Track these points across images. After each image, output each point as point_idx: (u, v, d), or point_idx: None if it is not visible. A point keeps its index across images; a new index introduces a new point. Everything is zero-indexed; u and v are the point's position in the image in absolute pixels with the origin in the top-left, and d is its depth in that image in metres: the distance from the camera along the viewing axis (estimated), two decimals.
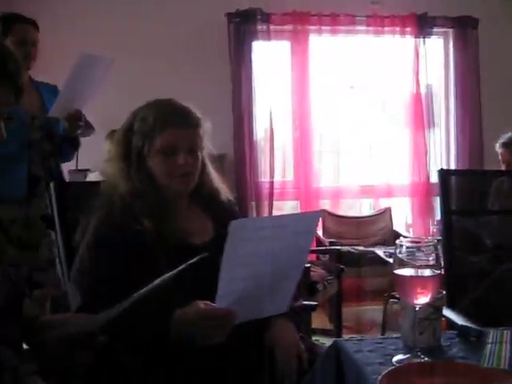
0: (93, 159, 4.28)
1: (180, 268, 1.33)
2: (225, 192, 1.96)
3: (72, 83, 2.89)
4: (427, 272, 1.28)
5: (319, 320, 4.24)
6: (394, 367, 1.20)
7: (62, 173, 3.10)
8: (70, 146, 3.15)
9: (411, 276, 1.27)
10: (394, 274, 1.29)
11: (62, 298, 2.74)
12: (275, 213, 5.16)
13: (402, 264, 1.28)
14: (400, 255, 1.29)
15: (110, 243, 1.69)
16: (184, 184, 1.80)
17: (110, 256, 1.68)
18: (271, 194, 5.15)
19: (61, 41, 4.68)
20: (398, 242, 1.29)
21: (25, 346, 1.27)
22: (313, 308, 2.23)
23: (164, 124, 1.74)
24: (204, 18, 5.08)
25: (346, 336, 4.19)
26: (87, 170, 4.60)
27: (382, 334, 4.05)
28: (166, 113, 1.76)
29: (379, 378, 1.11)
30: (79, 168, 4.41)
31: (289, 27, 5.27)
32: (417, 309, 1.31)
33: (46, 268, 2.88)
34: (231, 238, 1.34)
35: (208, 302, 1.51)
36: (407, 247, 1.28)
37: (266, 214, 5.06)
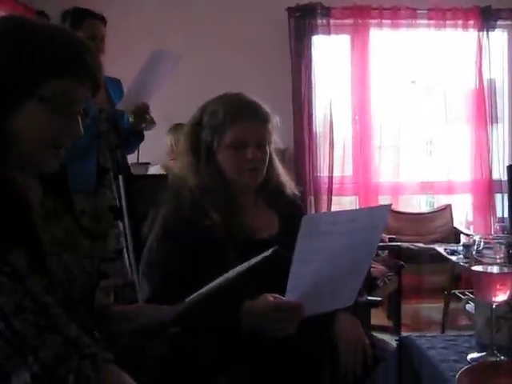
0: (153, 153, 4.37)
1: (254, 261, 1.33)
2: (290, 186, 1.96)
3: (141, 77, 2.95)
4: (507, 269, 1.25)
5: (377, 316, 4.20)
6: (471, 365, 1.19)
7: (128, 164, 3.14)
8: (135, 139, 3.22)
9: (490, 273, 1.25)
10: (472, 270, 1.26)
11: (128, 288, 2.80)
12: (334, 208, 5.15)
13: (479, 261, 1.26)
14: (476, 252, 1.26)
15: (178, 236, 1.72)
16: (252, 178, 1.80)
17: (179, 249, 1.71)
18: (330, 189, 5.13)
19: (125, 35, 4.78)
20: (475, 238, 1.26)
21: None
22: (377, 304, 2.22)
23: (234, 118, 1.74)
24: (265, 13, 5.11)
25: (404, 333, 4.15)
26: (148, 163, 4.68)
27: (442, 333, 3.98)
28: (236, 107, 1.77)
29: (457, 375, 1.09)
30: (140, 161, 4.50)
31: (349, 21, 5.23)
32: (494, 306, 1.29)
33: (113, 258, 2.94)
34: (303, 232, 1.34)
35: (277, 295, 1.52)
36: (484, 243, 1.26)
37: (324, 209, 5.06)
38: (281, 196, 1.92)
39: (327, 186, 5.15)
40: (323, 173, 5.20)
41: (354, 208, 5.18)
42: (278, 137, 1.88)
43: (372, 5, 5.17)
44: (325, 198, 5.13)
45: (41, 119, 1.16)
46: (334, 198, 5.18)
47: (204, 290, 1.39)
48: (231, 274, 1.37)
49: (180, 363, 1.32)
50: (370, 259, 1.63)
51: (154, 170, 4.65)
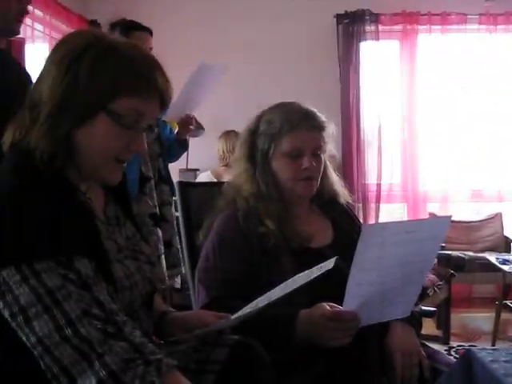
0: (202, 159, 4.42)
1: (316, 274, 1.33)
2: (343, 195, 1.97)
3: (188, 89, 3.00)
4: None
5: (426, 326, 4.13)
6: None
7: (169, 173, 3.19)
8: (179, 148, 3.32)
9: None
10: None
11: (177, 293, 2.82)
12: (382, 215, 5.10)
13: None
14: None
15: (234, 244, 1.74)
16: (308, 188, 1.81)
17: (235, 256, 1.73)
18: (378, 197, 5.11)
19: (173, 45, 4.85)
20: None
21: None
22: (431, 314, 2.17)
23: (291, 127, 1.75)
24: (314, 20, 5.15)
25: (453, 343, 4.09)
26: (196, 169, 4.74)
27: (493, 344, 3.91)
28: (292, 116, 1.77)
29: None
30: (189, 167, 4.56)
31: (398, 27, 5.21)
32: None
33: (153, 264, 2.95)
34: (362, 242, 1.34)
35: (333, 304, 1.51)
36: None
37: (372, 216, 5.03)
38: (335, 205, 1.92)
39: (375, 193, 5.13)
40: (371, 180, 5.17)
41: (402, 216, 5.14)
42: (332, 145, 1.88)
43: (421, 11, 5.14)
44: (373, 205, 5.12)
45: (109, 133, 1.19)
46: (382, 205, 5.16)
47: (263, 297, 1.40)
48: (291, 283, 1.38)
49: (239, 369, 1.33)
50: (428, 270, 1.61)
51: (203, 176, 4.70)
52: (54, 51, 1.22)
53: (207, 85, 3.07)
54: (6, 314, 1.06)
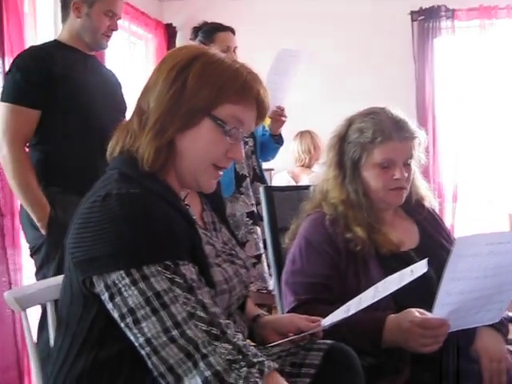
0: (276, 159, 4.44)
1: (408, 279, 1.35)
2: (429, 198, 1.96)
3: (272, 80, 2.89)
4: None
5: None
6: None
7: (262, 170, 3.21)
8: (275, 143, 3.25)
9: None
10: None
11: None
12: (458, 216, 5.02)
13: None
14: None
15: (320, 247, 1.76)
16: (397, 198, 1.81)
17: (322, 260, 1.75)
18: (455, 197, 5.02)
19: (252, 44, 4.92)
20: None
21: None
22: None
23: (384, 138, 1.75)
24: (388, 17, 5.12)
25: None
26: (271, 169, 4.77)
27: None
28: (385, 126, 1.76)
29: None
30: (264, 168, 4.59)
31: (475, 22, 5.09)
32: None
33: (254, 264, 2.98)
34: (456, 252, 1.33)
35: (422, 311, 1.51)
36: None
37: (449, 216, 4.94)
38: (421, 209, 1.92)
39: (452, 193, 5.05)
40: (448, 180, 5.10)
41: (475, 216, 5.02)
42: (422, 151, 1.87)
43: (499, 5, 4.99)
44: (449, 205, 5.03)
45: (211, 138, 1.26)
46: (458, 205, 5.06)
47: (354, 301, 1.42)
48: (382, 288, 1.39)
49: (332, 375, 1.35)
50: None
51: (280, 176, 4.73)
52: (162, 63, 1.30)
53: (290, 73, 2.99)
54: (116, 315, 1.12)
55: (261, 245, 2.96)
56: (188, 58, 1.26)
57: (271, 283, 3.17)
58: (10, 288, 2.91)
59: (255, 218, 2.97)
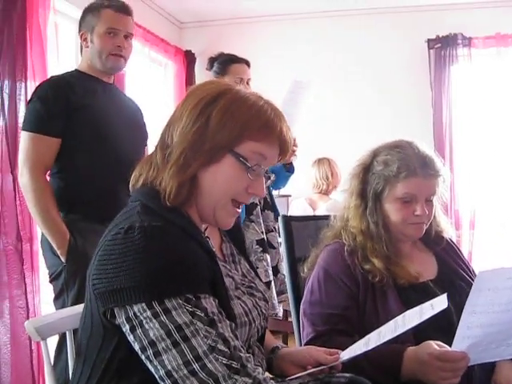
0: (294, 185, 4.45)
1: (428, 315, 1.34)
2: (448, 230, 1.96)
3: (284, 111, 2.98)
4: None
5: None
6: None
7: (274, 199, 3.21)
8: (286, 172, 3.26)
9: None
10: None
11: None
12: (476, 242, 4.98)
13: None
14: None
15: (339, 278, 1.76)
16: (418, 231, 1.81)
17: (340, 291, 1.75)
18: (472, 224, 5.00)
19: (266, 76, 4.97)
20: None
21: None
22: None
23: (409, 173, 1.74)
24: (405, 45, 5.16)
25: None
26: (289, 195, 4.78)
27: None
28: (410, 161, 1.76)
29: None
30: (281, 194, 4.61)
31: (491, 50, 5.10)
32: None
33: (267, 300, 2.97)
34: (477, 287, 1.33)
35: (441, 343, 1.50)
36: None
37: (466, 243, 4.91)
38: (439, 240, 1.92)
39: (469, 219, 5.03)
40: (465, 207, 5.07)
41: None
42: (446, 188, 1.87)
43: None
44: (466, 232, 5.00)
45: (233, 174, 1.27)
46: (475, 232, 5.03)
47: (373, 334, 1.42)
48: (401, 323, 1.39)
49: None
50: None
51: (296, 203, 4.74)
52: (187, 98, 1.31)
53: (302, 102, 3.01)
54: (137, 347, 1.12)
55: (270, 272, 2.97)
56: (213, 95, 1.28)
57: (281, 310, 3.19)
58: (28, 312, 2.93)
59: (265, 245, 2.98)
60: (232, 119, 1.25)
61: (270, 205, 3.14)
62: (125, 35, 2.55)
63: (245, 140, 1.26)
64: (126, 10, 2.57)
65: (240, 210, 1.34)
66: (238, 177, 1.27)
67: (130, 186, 1.35)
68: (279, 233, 2.18)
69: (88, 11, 2.55)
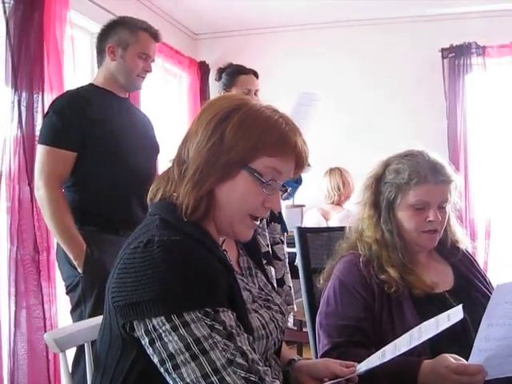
0: (307, 194, 4.47)
1: (445, 326, 1.34)
2: (464, 241, 1.96)
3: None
4: None
5: None
6: None
7: (281, 211, 3.22)
8: (294, 184, 3.26)
9: None
10: None
11: None
12: (492, 252, 4.95)
13: None
14: None
15: (355, 289, 1.77)
16: (431, 240, 1.82)
17: (356, 302, 1.75)
18: (488, 234, 4.96)
19: (276, 87, 4.99)
20: None
21: None
22: None
23: (420, 180, 1.76)
24: (419, 55, 5.16)
25: None
26: (303, 205, 4.79)
27: None
28: (421, 168, 1.78)
29: None
30: (295, 204, 4.62)
31: (506, 59, 5.07)
32: None
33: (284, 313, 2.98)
34: (495, 299, 1.33)
35: (457, 357, 1.50)
36: None
37: (482, 253, 4.88)
38: (455, 251, 1.92)
39: (485, 229, 5.00)
40: (480, 217, 5.04)
41: None
42: (458, 195, 1.87)
43: None
44: (482, 242, 4.97)
45: (248, 190, 1.27)
46: (491, 242, 4.99)
47: (389, 346, 1.42)
48: (417, 335, 1.39)
49: None
50: None
51: (310, 213, 4.74)
52: (202, 113, 1.32)
53: (310, 114, 3.00)
54: (156, 359, 1.13)
55: (275, 285, 2.98)
56: (227, 110, 1.28)
57: (290, 321, 3.18)
58: (44, 322, 2.96)
59: (269, 258, 2.99)
60: (246, 135, 1.25)
61: (276, 217, 3.15)
62: (151, 60, 2.63)
63: (259, 155, 1.26)
64: (159, 39, 2.66)
65: (258, 223, 1.34)
66: (253, 192, 1.27)
67: (148, 199, 1.36)
68: (294, 244, 2.19)
69: (122, 26, 2.58)
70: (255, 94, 3.19)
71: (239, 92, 3.11)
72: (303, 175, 3.39)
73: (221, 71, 3.30)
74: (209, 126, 1.27)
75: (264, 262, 2.87)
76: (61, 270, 2.51)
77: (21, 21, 2.98)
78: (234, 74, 3.22)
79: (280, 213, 3.18)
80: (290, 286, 3.07)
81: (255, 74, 3.27)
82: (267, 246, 3.01)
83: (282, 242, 3.11)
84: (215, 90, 3.49)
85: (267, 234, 3.03)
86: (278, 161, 1.28)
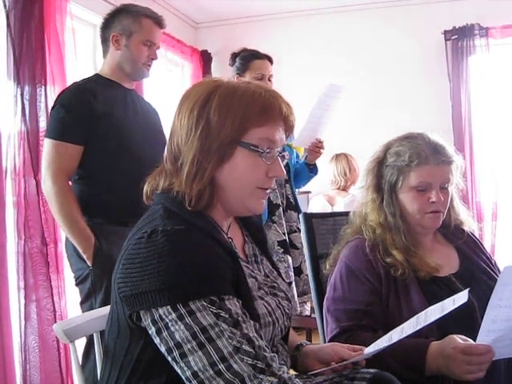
0: (314, 182, 4.46)
1: (450, 309, 1.34)
2: (468, 223, 1.96)
3: (315, 113, 3.00)
4: None
5: None
6: None
7: (297, 199, 3.22)
8: (309, 173, 3.29)
9: None
10: None
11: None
12: (498, 234, 4.93)
13: None
14: None
15: (361, 274, 1.77)
16: (434, 221, 1.82)
17: (363, 286, 1.75)
18: (494, 215, 4.95)
19: (288, 72, 4.98)
20: None
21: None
22: None
23: (420, 161, 1.76)
24: (422, 38, 5.14)
25: None
26: (309, 192, 4.78)
27: None
28: (421, 150, 1.78)
29: None
30: (301, 191, 4.61)
31: (509, 40, 5.04)
32: None
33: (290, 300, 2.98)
34: (503, 281, 1.32)
35: (465, 337, 1.50)
36: None
37: (489, 235, 4.86)
38: (460, 234, 1.92)
39: (491, 211, 4.98)
40: (487, 199, 5.02)
41: None
42: (460, 176, 1.87)
43: None
44: (489, 224, 4.95)
45: (249, 164, 1.28)
46: (498, 224, 4.97)
47: (396, 330, 1.42)
48: (423, 318, 1.39)
49: None
50: None
51: (316, 200, 4.74)
52: (181, 106, 1.32)
53: (332, 106, 3.04)
54: (163, 348, 1.14)
55: (291, 273, 2.96)
56: (205, 94, 1.28)
57: (308, 309, 3.19)
58: (55, 314, 2.98)
59: (286, 246, 2.98)
60: (230, 112, 1.26)
61: (293, 205, 3.15)
62: (156, 47, 2.61)
63: (249, 128, 1.26)
64: (163, 25, 2.63)
65: (269, 192, 1.35)
66: (254, 165, 1.28)
67: (148, 191, 1.36)
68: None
69: (125, 14, 2.55)
70: (269, 79, 3.17)
71: (252, 77, 3.10)
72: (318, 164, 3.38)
73: (234, 56, 3.27)
74: (192, 114, 1.27)
75: (281, 250, 2.92)
76: (70, 262, 2.52)
77: (21, 13, 2.97)
78: (248, 58, 3.19)
79: (296, 201, 3.19)
80: (307, 275, 3.07)
81: (269, 60, 3.23)
82: (284, 234, 3.01)
83: (299, 230, 3.08)
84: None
85: (284, 222, 3.03)
86: (268, 128, 1.28)
